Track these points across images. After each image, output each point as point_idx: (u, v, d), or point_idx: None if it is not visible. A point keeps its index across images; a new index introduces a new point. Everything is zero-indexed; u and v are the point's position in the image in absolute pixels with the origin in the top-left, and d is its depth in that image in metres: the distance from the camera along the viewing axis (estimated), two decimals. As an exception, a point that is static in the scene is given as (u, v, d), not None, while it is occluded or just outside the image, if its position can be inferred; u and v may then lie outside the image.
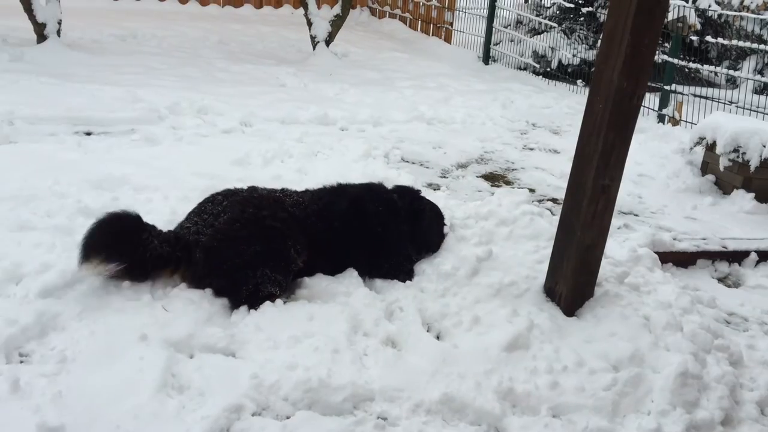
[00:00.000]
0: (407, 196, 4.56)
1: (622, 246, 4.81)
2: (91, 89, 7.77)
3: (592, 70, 10.94)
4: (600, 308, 3.96)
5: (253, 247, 3.79)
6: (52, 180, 5.06)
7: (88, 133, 6.57)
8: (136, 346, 3.35)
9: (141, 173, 5.43)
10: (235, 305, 3.77)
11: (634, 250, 4.64)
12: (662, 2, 3.51)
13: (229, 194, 4.11)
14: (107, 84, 8.11)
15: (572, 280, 3.92)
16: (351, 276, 4.12)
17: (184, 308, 3.68)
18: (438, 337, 3.77)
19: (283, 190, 4.34)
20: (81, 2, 13.11)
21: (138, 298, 3.72)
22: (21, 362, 3.25)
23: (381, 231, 4.27)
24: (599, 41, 4.55)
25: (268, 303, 3.75)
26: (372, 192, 4.47)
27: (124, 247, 3.74)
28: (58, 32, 9.58)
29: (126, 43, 10.93)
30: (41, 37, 9.48)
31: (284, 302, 3.81)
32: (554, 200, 6.15)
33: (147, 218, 4.56)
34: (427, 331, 3.79)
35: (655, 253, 4.77)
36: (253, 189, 4.22)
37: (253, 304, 3.73)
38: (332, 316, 3.73)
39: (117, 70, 8.98)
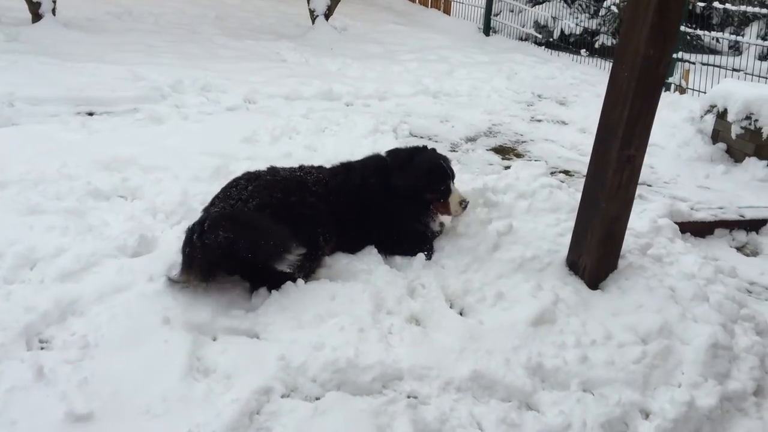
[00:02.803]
0: (400, 155, 4.33)
1: (641, 217, 4.74)
2: (90, 68, 7.63)
3: (594, 39, 10.86)
4: (624, 280, 3.91)
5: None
6: (60, 162, 4.97)
7: (90, 113, 6.45)
8: (160, 330, 3.29)
9: (148, 153, 5.33)
10: (255, 286, 3.71)
11: (655, 221, 4.58)
12: (689, -34, 3.42)
13: (252, 178, 4.01)
14: (106, 63, 7.96)
15: (597, 252, 3.86)
16: (371, 253, 4.06)
17: (206, 290, 3.62)
18: (461, 314, 3.72)
19: (301, 167, 4.24)
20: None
21: (156, 280, 3.65)
22: (42, 348, 3.19)
23: (387, 205, 4.13)
24: (611, 9, 4.33)
25: (289, 283, 3.68)
26: (370, 166, 4.27)
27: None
28: (53, 11, 9.39)
29: (122, 21, 10.74)
30: (36, 17, 9.29)
31: (305, 282, 3.74)
32: (566, 172, 6.08)
33: (158, 199, 4.53)
34: (450, 307, 3.74)
35: (675, 223, 4.72)
36: (273, 171, 4.11)
37: (275, 285, 3.67)
38: (355, 294, 3.67)
39: (115, 48, 8.82)
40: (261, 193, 3.84)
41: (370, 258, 4.02)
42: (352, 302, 3.61)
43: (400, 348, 3.34)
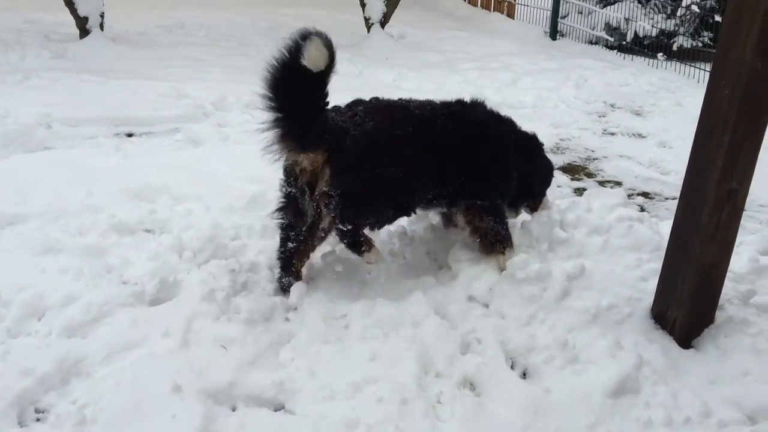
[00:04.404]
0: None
1: (738, 252, 4.01)
2: (133, 86, 7.33)
3: (671, 41, 10.02)
4: (724, 338, 3.27)
5: (391, 170, 3.46)
6: (86, 192, 4.60)
7: (130, 134, 6.12)
8: (168, 401, 2.84)
9: (182, 180, 4.92)
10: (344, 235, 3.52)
11: (755, 259, 3.89)
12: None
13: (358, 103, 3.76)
14: (151, 79, 7.65)
15: (690, 304, 3.23)
16: (418, 302, 3.51)
17: (226, 348, 3.16)
18: (524, 375, 3.15)
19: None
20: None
21: (172, 336, 3.20)
22: (37, 420, 2.78)
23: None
24: (723, 16, 3.56)
25: (322, 339, 3.19)
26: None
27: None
28: (101, 26, 9.17)
29: (172, 34, 10.47)
30: (84, 32, 9.09)
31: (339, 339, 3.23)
32: (646, 194, 5.40)
33: (185, 234, 4.10)
34: (511, 367, 3.18)
35: (778, 260, 4.01)
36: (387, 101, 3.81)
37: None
38: (398, 353, 3.16)
39: (162, 63, 8.53)
40: (377, 117, 3.57)
41: (417, 307, 3.48)
42: (394, 363, 3.10)
43: (450, 424, 2.83)
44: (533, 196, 4.12)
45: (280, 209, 3.63)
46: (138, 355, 3.10)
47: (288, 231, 3.64)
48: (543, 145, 4.24)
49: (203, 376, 2.97)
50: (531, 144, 4.09)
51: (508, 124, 4.00)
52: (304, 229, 3.57)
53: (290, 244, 3.64)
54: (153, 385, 2.90)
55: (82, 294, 3.47)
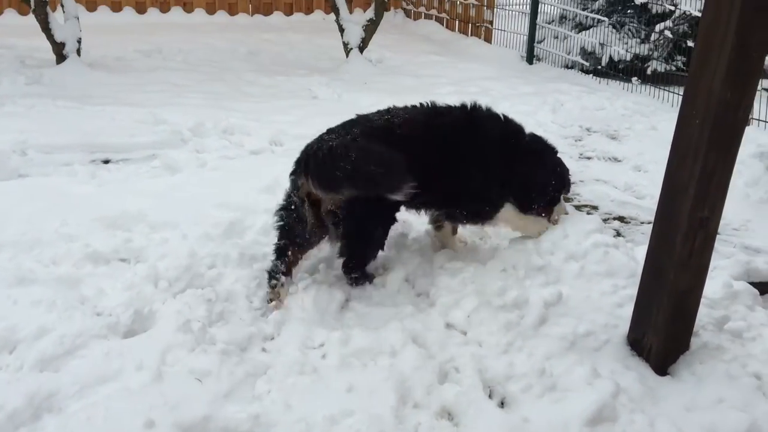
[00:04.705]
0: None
1: (712, 277, 4.04)
2: (110, 112, 7.28)
3: (645, 65, 10.17)
4: (699, 364, 3.29)
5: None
6: (60, 220, 4.54)
7: (106, 161, 6.07)
8: (141, 437, 2.79)
9: (159, 207, 4.87)
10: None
11: (729, 284, 3.91)
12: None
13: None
14: (128, 105, 7.61)
15: (665, 330, 3.25)
16: (396, 330, 3.51)
17: (202, 380, 3.12)
18: (502, 404, 3.15)
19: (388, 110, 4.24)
20: (106, 18, 12.75)
21: (146, 369, 3.16)
22: (6, 458, 2.72)
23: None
24: (695, 41, 3.65)
25: (298, 370, 3.17)
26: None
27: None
28: (78, 51, 9.12)
29: (151, 59, 10.44)
30: (60, 58, 9.03)
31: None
32: (621, 219, 5.43)
33: (161, 264, 4.06)
34: (489, 396, 3.18)
35: (751, 284, 4.04)
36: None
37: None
38: (375, 384, 3.15)
39: (139, 88, 8.49)
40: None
41: (395, 336, 3.47)
42: (371, 395, 3.08)
43: (428, 456, 2.79)
44: (533, 203, 4.15)
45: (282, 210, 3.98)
46: (111, 390, 3.05)
47: (285, 231, 3.95)
48: (549, 149, 4.35)
49: (177, 411, 2.93)
50: (520, 150, 4.28)
51: (493, 140, 4.28)
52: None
53: (285, 241, 3.91)
54: (126, 420, 2.86)
55: (55, 326, 3.42)
